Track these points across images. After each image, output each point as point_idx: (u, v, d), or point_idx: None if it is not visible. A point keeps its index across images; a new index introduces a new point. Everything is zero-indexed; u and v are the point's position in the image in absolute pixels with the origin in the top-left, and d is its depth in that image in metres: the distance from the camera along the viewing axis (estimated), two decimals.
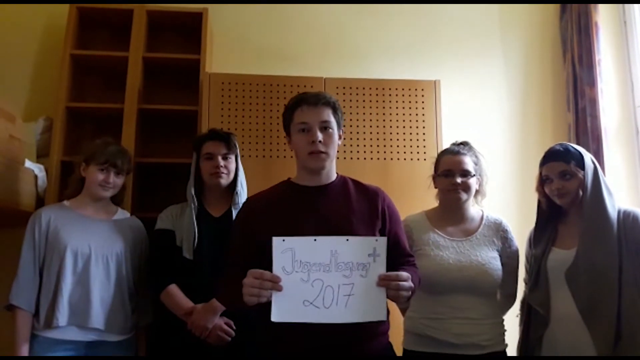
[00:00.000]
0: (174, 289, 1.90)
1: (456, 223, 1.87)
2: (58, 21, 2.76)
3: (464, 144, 1.91)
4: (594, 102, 2.88)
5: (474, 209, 1.92)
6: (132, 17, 2.70)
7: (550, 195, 1.80)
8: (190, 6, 2.81)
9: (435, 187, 1.93)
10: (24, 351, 1.81)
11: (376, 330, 1.44)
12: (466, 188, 1.83)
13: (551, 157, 1.79)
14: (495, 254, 1.82)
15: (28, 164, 2.32)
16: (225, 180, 2.01)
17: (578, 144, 2.82)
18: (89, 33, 2.82)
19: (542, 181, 1.82)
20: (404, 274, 1.35)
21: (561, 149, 1.79)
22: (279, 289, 1.28)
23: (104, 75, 2.81)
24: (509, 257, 1.86)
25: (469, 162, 1.84)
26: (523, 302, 1.88)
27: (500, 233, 1.87)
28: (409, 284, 1.34)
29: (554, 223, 1.84)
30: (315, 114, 1.48)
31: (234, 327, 1.86)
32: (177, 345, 1.89)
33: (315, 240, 1.31)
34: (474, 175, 1.84)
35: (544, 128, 3.14)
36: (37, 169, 2.40)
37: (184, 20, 2.83)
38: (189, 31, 2.79)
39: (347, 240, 1.32)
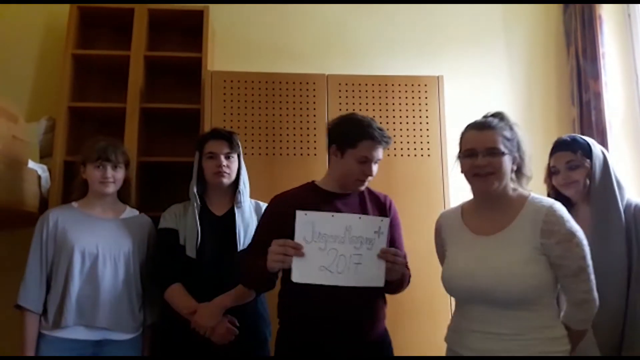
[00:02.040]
0: (177, 288, 1.90)
1: (488, 215, 1.53)
2: (59, 21, 2.76)
3: (495, 115, 1.56)
4: (598, 95, 2.85)
5: (517, 193, 1.53)
6: (133, 16, 2.69)
7: (557, 187, 1.78)
8: (191, 5, 2.79)
9: (461, 172, 1.56)
10: (31, 351, 1.84)
11: (379, 314, 1.68)
12: (495, 170, 1.46)
13: (558, 147, 1.79)
14: (530, 254, 1.42)
15: (31, 164, 2.32)
16: (227, 180, 2.01)
17: None
18: (90, 32, 2.82)
19: (551, 173, 1.81)
20: (400, 252, 1.60)
21: (568, 139, 1.79)
22: (301, 254, 1.47)
23: (105, 74, 2.81)
24: (562, 257, 1.41)
25: (496, 139, 1.47)
26: None
27: (541, 224, 1.43)
28: (403, 260, 1.59)
29: None
30: (378, 153, 1.67)
31: (238, 325, 1.86)
32: (182, 343, 1.90)
33: (332, 216, 1.53)
34: (505, 153, 1.48)
35: (549, 122, 3.11)
36: (41, 169, 2.40)
37: (185, 19, 2.82)
38: (191, 29, 2.78)
39: (360, 218, 1.54)
